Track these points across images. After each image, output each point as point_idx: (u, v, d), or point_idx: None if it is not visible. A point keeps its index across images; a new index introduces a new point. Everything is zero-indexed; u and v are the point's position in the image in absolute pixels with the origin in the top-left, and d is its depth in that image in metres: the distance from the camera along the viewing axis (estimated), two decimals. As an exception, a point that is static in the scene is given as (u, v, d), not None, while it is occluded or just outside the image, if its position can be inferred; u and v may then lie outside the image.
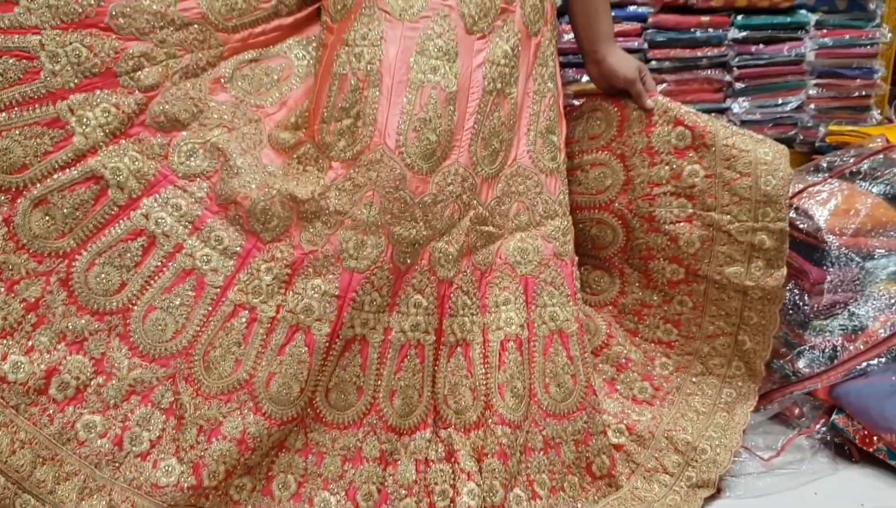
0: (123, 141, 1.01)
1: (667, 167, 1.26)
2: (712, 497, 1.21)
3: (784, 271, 1.23)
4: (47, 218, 0.97)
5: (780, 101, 1.70)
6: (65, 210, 0.98)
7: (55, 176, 0.97)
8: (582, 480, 1.16)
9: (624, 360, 1.31)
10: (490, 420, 1.09)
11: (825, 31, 1.69)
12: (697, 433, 1.25)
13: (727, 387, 1.31)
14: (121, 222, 1.00)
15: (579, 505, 1.14)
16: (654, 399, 1.30)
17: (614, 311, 1.35)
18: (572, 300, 1.19)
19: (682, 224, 1.26)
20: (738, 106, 1.68)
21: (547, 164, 1.20)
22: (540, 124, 1.19)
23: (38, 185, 0.97)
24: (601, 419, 1.20)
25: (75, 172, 0.98)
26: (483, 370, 1.10)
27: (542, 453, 1.12)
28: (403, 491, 1.05)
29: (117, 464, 0.96)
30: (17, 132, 0.95)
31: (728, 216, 1.24)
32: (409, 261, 1.07)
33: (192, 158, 1.03)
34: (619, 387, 1.30)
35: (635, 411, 1.27)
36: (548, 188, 1.19)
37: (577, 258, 1.23)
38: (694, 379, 1.32)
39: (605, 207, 1.32)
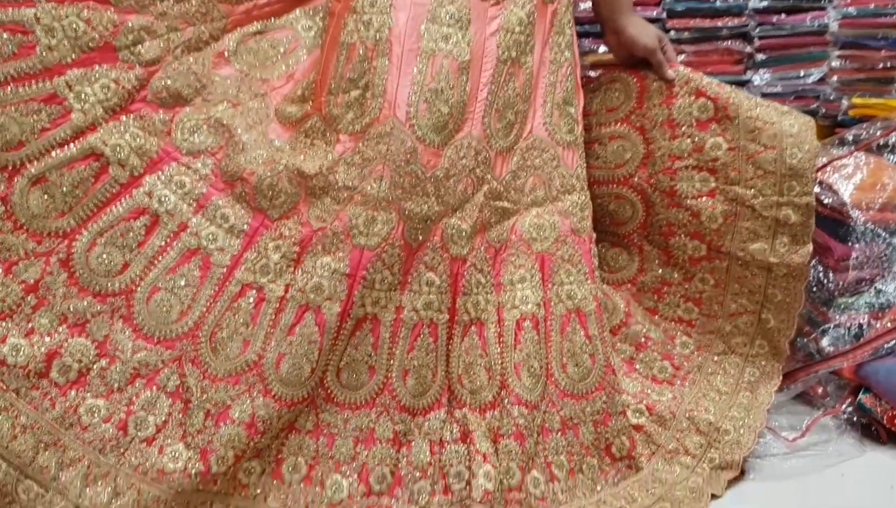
0: (124, 117, 0.99)
1: (688, 140, 1.23)
2: (735, 480, 1.18)
3: (810, 247, 1.20)
4: (46, 197, 0.95)
5: (802, 73, 1.65)
6: (64, 189, 0.96)
7: (53, 153, 0.95)
8: (601, 462, 1.13)
9: (643, 339, 1.28)
10: (506, 401, 1.06)
11: (849, -1, 1.64)
12: (720, 414, 1.22)
13: (750, 366, 1.27)
14: (123, 200, 0.98)
15: (598, 487, 1.11)
16: (674, 379, 1.27)
17: (633, 289, 1.32)
18: (590, 278, 1.16)
19: (704, 199, 1.23)
20: (759, 78, 1.63)
21: (564, 136, 1.16)
22: (556, 95, 1.15)
23: (36, 163, 0.95)
24: (620, 399, 1.17)
25: (74, 149, 0.96)
26: (498, 350, 1.08)
27: (559, 434, 1.10)
28: (418, 473, 1.03)
29: (122, 450, 0.94)
30: (13, 109, 0.93)
31: (752, 191, 1.20)
32: (420, 238, 1.04)
33: (196, 135, 1.01)
34: (638, 366, 1.27)
35: (655, 391, 1.24)
36: (565, 162, 1.16)
37: (594, 235, 1.21)
38: (716, 358, 1.29)
39: (624, 181, 1.28)
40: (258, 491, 0.99)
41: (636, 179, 1.27)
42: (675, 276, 1.29)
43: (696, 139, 1.22)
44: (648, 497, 1.11)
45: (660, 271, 1.30)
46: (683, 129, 1.23)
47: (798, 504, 1.12)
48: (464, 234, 1.07)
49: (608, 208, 1.31)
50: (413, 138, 1.01)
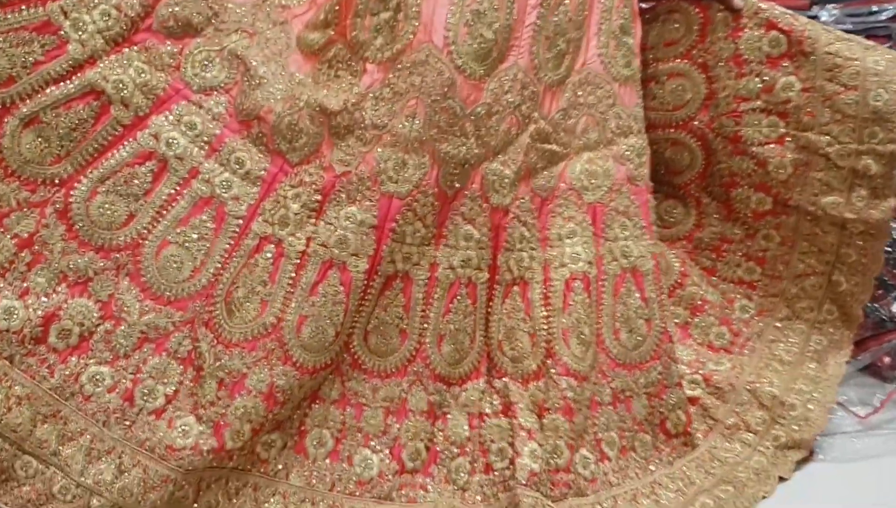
0: (127, 49, 0.93)
1: (757, 79, 1.15)
2: (803, 460, 1.12)
3: (893, 201, 1.14)
4: (40, 140, 0.90)
5: (874, 8, 1.51)
6: (60, 131, 0.90)
7: (48, 91, 0.89)
8: (655, 438, 1.09)
9: (700, 302, 1.23)
10: (552, 371, 1.01)
11: (929, -76, 1.53)
12: (784, 386, 1.16)
13: (816, 334, 1.22)
14: (126, 143, 0.92)
15: (652, 467, 1.07)
16: (732, 346, 1.22)
17: (689, 246, 1.26)
18: (648, 233, 1.10)
19: (772, 146, 1.16)
20: (827, 14, 1.49)
21: (621, 70, 1.09)
22: (613, 23, 1.07)
23: (28, 101, 0.89)
24: (677, 369, 1.11)
25: (71, 85, 0.90)
26: (544, 313, 1.03)
27: (610, 408, 1.06)
28: (455, 449, 0.99)
29: (128, 423, 0.89)
30: (1, 39, 0.87)
31: (827, 137, 1.13)
32: (457, 185, 0.98)
33: (208, 69, 0.95)
34: (693, 332, 1.23)
35: (712, 359, 1.19)
36: (621, 100, 1.09)
37: (652, 184, 1.14)
38: (778, 324, 1.23)
39: (683, 125, 1.21)
40: (279, 467, 0.94)
41: (696, 122, 1.20)
42: (736, 232, 1.23)
43: (766, 78, 1.14)
44: (708, 479, 1.06)
45: (719, 226, 1.24)
46: (751, 66, 1.15)
47: (873, 487, 1.08)
48: (506, 181, 1.01)
49: (663, 156, 1.24)
50: (451, 68, 0.95)
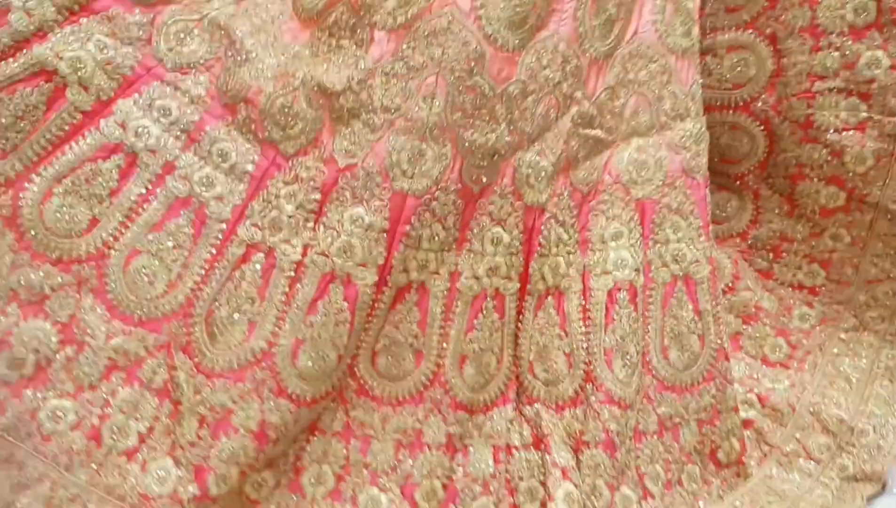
0: (85, 20, 0.86)
1: (836, 53, 1.04)
2: (874, 494, 1.02)
3: None
4: None
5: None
6: (3, 120, 0.83)
7: None
8: (704, 469, 1.01)
9: (753, 309, 1.14)
10: (592, 398, 0.93)
11: None
12: (853, 409, 1.07)
13: (888, 347, 1.12)
14: (87, 134, 0.85)
15: (701, 504, 0.99)
16: (790, 361, 1.12)
17: (743, 245, 1.17)
18: (704, 235, 1.01)
19: (850, 133, 1.05)
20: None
21: (679, 41, 0.99)
22: None
23: None
24: (733, 391, 1.03)
25: (15, 64, 0.83)
26: (583, 329, 0.94)
27: (655, 437, 0.98)
28: (478, 488, 0.91)
29: (95, 466, 0.81)
30: None
31: None
32: (485, 179, 0.90)
33: (185, 42, 0.89)
34: (745, 344, 1.13)
35: (768, 376, 1.10)
36: (678, 76, 0.99)
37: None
38: (843, 335, 1.13)
39: (744, 106, 1.11)
40: None
41: (760, 103, 1.10)
42: (800, 230, 1.13)
43: (848, 52, 1.04)
44: None
45: (779, 223, 1.14)
46: (830, 38, 1.04)
47: None
48: (543, 174, 0.92)
49: (719, 142, 1.13)
50: (479, 38, 0.87)
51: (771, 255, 1.15)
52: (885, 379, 1.10)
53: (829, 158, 1.07)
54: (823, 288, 1.13)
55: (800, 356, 1.12)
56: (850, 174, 1.07)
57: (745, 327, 1.13)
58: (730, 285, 1.14)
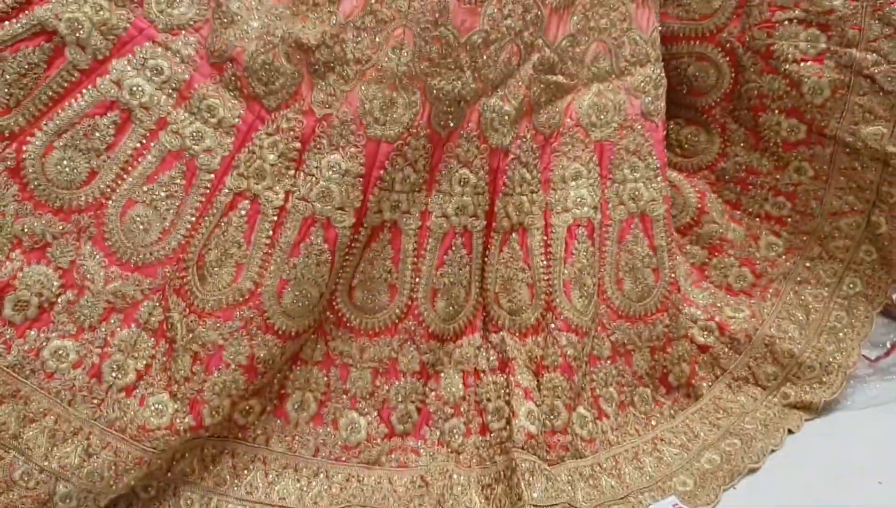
0: None
1: None
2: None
3: None
4: None
5: None
6: (7, 77, 0.85)
7: None
8: (655, 392, 1.09)
9: (718, 241, 1.19)
10: (552, 325, 0.99)
11: None
12: (805, 342, 1.13)
13: (851, 274, 1.16)
14: (85, 91, 0.88)
15: (653, 422, 1.06)
16: (753, 289, 1.18)
17: (711, 177, 1.21)
18: (661, 175, 1.06)
19: (808, 63, 1.08)
20: None
21: None
22: None
23: None
24: (684, 320, 1.09)
25: (18, 25, 0.84)
26: (544, 262, 1.00)
27: (609, 362, 1.05)
28: (449, 410, 0.98)
29: (96, 401, 0.85)
30: None
31: (874, 56, 1.05)
32: (452, 124, 0.94)
33: (176, 5, 0.91)
34: (710, 274, 1.19)
35: (730, 304, 1.16)
36: (637, 22, 1.02)
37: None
38: (808, 264, 1.17)
39: (710, 37, 1.13)
40: (259, 433, 0.92)
41: (725, 34, 1.13)
42: (765, 163, 1.17)
43: None
44: (713, 432, 1.05)
45: (745, 156, 1.18)
46: None
47: (882, 436, 1.05)
48: (507, 118, 0.96)
49: (686, 73, 1.17)
50: None
51: (738, 187, 1.19)
52: (841, 310, 1.14)
53: (788, 88, 1.09)
54: (790, 219, 1.17)
55: (763, 284, 1.17)
56: (809, 106, 1.09)
57: (710, 258, 1.18)
58: (695, 218, 1.18)
